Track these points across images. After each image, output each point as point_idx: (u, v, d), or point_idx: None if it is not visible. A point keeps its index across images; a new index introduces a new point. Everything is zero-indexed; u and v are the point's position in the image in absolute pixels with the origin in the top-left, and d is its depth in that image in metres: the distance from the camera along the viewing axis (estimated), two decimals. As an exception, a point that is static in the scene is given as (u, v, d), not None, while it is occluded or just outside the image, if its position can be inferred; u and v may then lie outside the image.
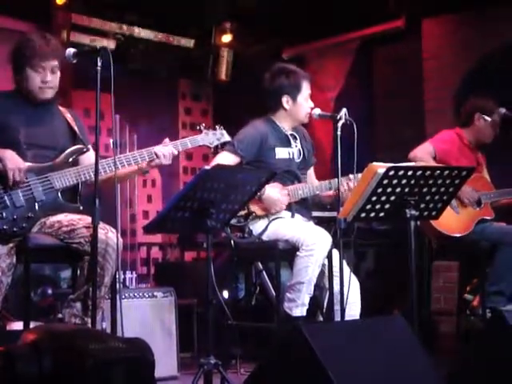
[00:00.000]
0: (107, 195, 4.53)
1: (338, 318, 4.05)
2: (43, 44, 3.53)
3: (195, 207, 3.16)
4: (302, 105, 4.34)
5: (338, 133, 3.98)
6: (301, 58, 7.34)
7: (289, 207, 4.21)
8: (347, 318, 3.90)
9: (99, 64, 3.30)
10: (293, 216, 4.22)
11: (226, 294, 5.62)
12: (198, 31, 7.33)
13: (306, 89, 4.35)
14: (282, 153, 4.32)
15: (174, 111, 7.77)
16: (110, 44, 6.60)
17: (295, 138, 4.40)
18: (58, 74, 3.61)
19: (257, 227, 4.16)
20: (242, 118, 7.18)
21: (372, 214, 3.59)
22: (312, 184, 4.32)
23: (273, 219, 4.15)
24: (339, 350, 2.63)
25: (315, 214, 4.58)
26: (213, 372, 3.25)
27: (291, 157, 4.35)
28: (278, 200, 4.14)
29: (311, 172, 4.53)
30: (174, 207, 3.09)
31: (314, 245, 3.98)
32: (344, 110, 4.10)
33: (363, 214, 3.59)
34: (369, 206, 3.54)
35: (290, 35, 7.10)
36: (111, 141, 5.30)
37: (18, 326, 4.31)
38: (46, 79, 3.56)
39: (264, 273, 5.02)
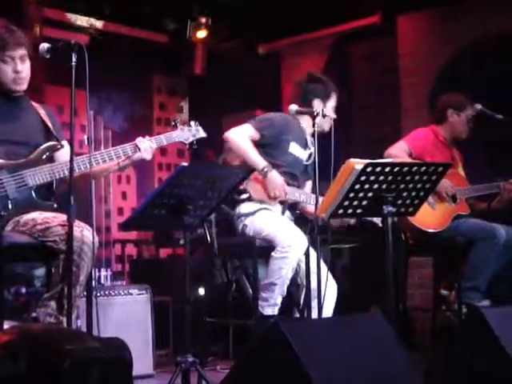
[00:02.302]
0: (82, 192, 4.50)
1: (314, 314, 4.09)
2: (7, 34, 3.48)
3: (172, 204, 3.13)
4: (329, 112, 4.40)
5: (316, 128, 3.99)
6: (276, 54, 7.35)
7: (282, 203, 4.24)
8: (323, 315, 3.93)
9: (74, 60, 3.25)
10: (283, 213, 4.25)
11: (201, 290, 5.60)
12: (172, 26, 7.28)
13: (333, 100, 4.51)
14: (295, 149, 4.40)
15: (148, 106, 7.71)
16: (84, 39, 6.52)
17: (312, 144, 4.40)
18: (28, 62, 3.56)
19: (245, 208, 4.20)
20: (218, 112, 7.22)
21: (349, 211, 3.59)
22: (308, 194, 4.35)
23: (263, 208, 4.16)
24: (317, 347, 2.62)
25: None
26: (190, 370, 3.22)
27: (301, 157, 4.43)
28: (281, 186, 4.19)
29: (309, 184, 4.55)
30: (151, 204, 3.06)
31: (289, 247, 4.04)
32: (321, 106, 4.12)
33: (341, 211, 3.59)
34: (346, 203, 3.54)
35: (266, 30, 7.09)
36: (85, 137, 5.26)
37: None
38: (18, 68, 3.50)
39: (240, 269, 5.00)
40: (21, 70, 3.52)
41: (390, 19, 6.51)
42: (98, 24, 6.85)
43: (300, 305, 4.30)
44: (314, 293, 4.05)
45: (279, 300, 4.10)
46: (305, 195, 4.33)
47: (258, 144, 4.29)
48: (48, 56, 3.39)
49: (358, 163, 3.53)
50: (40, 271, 5.10)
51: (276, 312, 4.09)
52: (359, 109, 6.90)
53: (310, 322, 3.25)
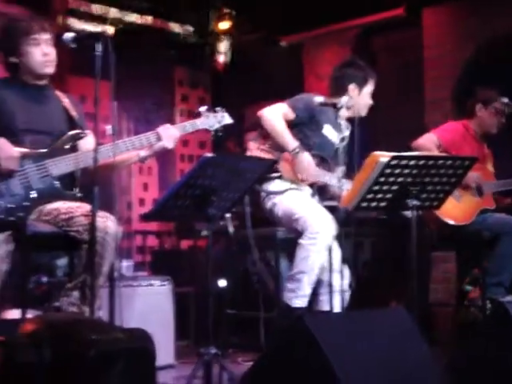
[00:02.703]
0: (104, 182, 4.49)
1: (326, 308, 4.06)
2: (30, 20, 3.49)
3: (196, 195, 3.11)
4: (365, 98, 4.42)
5: (339, 121, 3.97)
6: (299, 46, 7.31)
7: (311, 186, 4.20)
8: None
9: (98, 50, 3.25)
10: (313, 196, 4.19)
11: (223, 282, 5.60)
12: (196, 18, 7.27)
13: (371, 85, 4.48)
14: (328, 131, 4.34)
15: (170, 99, 7.70)
16: (108, 30, 6.53)
17: (347, 128, 4.38)
18: (54, 48, 3.57)
19: (274, 186, 4.14)
20: (239, 105, 7.19)
21: (373, 204, 3.57)
22: (338, 178, 4.29)
23: (293, 188, 4.11)
24: (341, 341, 2.61)
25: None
26: (212, 362, 3.20)
27: (333, 140, 4.36)
28: (310, 170, 4.13)
29: (340, 170, 4.45)
30: (175, 195, 3.04)
31: (318, 234, 3.93)
32: (345, 98, 4.09)
33: (364, 204, 3.57)
34: (370, 196, 3.52)
35: (289, 22, 7.04)
36: (108, 127, 5.24)
37: (13, 314, 4.26)
38: (46, 51, 3.51)
39: (261, 261, 4.97)
40: (49, 52, 3.52)
41: (415, 11, 6.46)
42: (122, 15, 6.84)
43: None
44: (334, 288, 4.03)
45: (308, 291, 3.99)
46: (335, 179, 4.24)
47: (291, 123, 4.24)
48: (73, 45, 3.38)
49: (382, 156, 3.50)
50: (62, 261, 5.11)
51: (305, 304, 3.98)
52: (382, 101, 6.82)
53: (334, 316, 3.23)
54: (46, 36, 3.51)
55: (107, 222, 3.30)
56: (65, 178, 3.48)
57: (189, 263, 6.14)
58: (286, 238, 4.07)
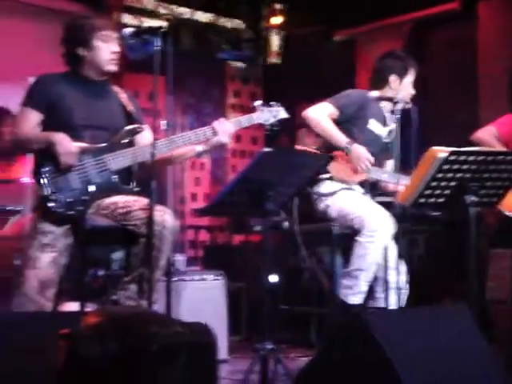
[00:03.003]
0: (157, 177, 4.52)
1: (381, 304, 4.04)
2: (99, 16, 3.54)
3: (253, 190, 3.10)
4: (407, 88, 4.36)
5: (397, 116, 3.92)
6: (352, 40, 7.25)
7: (363, 184, 4.16)
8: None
9: (157, 44, 3.27)
10: (365, 194, 4.16)
11: (274, 277, 5.59)
12: (248, 12, 7.27)
13: (412, 75, 4.40)
14: (374, 126, 4.31)
15: (222, 94, 7.71)
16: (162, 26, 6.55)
17: (392, 121, 4.34)
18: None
19: (325, 188, 4.11)
20: (292, 100, 7.16)
21: (431, 200, 3.53)
22: (389, 172, 4.25)
23: (345, 188, 4.08)
24: (400, 338, 2.58)
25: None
26: (268, 357, 3.20)
27: (380, 134, 4.33)
28: (366, 158, 4.10)
29: (391, 162, 4.41)
30: (233, 190, 3.04)
31: (376, 232, 3.89)
32: (402, 93, 4.04)
33: (422, 200, 3.53)
34: (428, 192, 3.47)
35: (341, 17, 6.99)
36: (163, 122, 5.26)
37: (71, 307, 4.31)
38: (114, 49, 3.55)
39: (313, 257, 4.95)
40: (116, 50, 3.56)
41: (470, 5, 6.35)
42: (175, 10, 6.87)
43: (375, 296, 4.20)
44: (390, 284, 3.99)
45: (364, 288, 3.96)
46: (387, 174, 4.21)
47: (337, 122, 4.21)
48: (132, 41, 3.41)
49: (441, 151, 3.45)
50: (118, 254, 5.15)
51: (361, 301, 3.96)
52: (436, 96, 6.75)
53: (392, 313, 3.19)
54: (115, 34, 3.55)
55: (165, 216, 3.32)
56: (122, 173, 3.51)
57: (241, 258, 6.15)
58: (341, 234, 4.02)
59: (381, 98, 4.09)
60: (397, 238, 3.96)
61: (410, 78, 4.38)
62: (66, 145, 3.33)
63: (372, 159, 4.15)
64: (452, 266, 5.13)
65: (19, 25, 6.30)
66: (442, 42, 6.68)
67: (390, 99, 3.99)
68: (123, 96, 3.69)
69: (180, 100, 7.00)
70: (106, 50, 3.53)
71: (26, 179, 5.03)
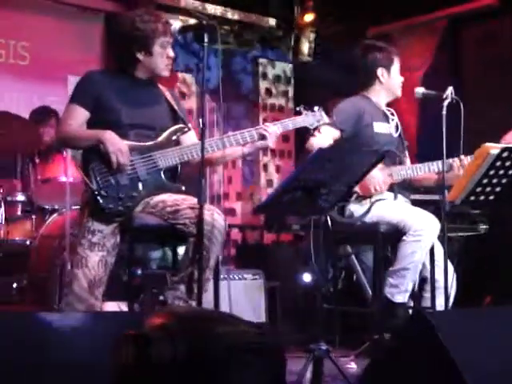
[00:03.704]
0: (193, 176, 4.49)
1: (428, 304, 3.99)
2: (159, 21, 3.47)
3: (307, 188, 3.06)
4: (396, 78, 4.32)
5: (444, 112, 3.86)
6: (386, 37, 7.16)
7: (391, 188, 4.09)
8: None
9: (206, 40, 3.24)
10: (395, 198, 4.09)
11: (307, 277, 5.55)
12: (280, 10, 7.22)
13: (397, 63, 4.35)
14: (380, 127, 4.23)
15: (254, 92, 7.66)
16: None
17: (392, 113, 4.31)
18: None
19: (358, 209, 4.03)
20: (323, 97, 7.10)
21: (482, 197, 3.48)
22: (414, 165, 4.18)
23: (375, 201, 4.01)
24: (466, 339, 2.51)
25: (413, 196, 4.44)
26: (323, 358, 3.15)
27: (389, 132, 4.26)
28: (380, 180, 4.00)
29: (407, 153, 4.39)
30: (287, 188, 2.99)
31: (423, 230, 3.84)
32: (450, 89, 3.97)
33: (472, 197, 3.48)
34: (479, 189, 3.43)
35: (375, 13, 6.92)
36: (199, 120, 5.26)
37: (111, 306, 4.29)
38: (171, 54, 3.52)
39: (353, 257, 4.90)
40: (173, 56, 3.54)
41: (508, 1, 6.26)
42: (207, 8, 6.84)
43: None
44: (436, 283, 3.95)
45: (410, 286, 3.93)
46: (410, 169, 4.14)
47: (345, 139, 4.11)
48: (179, 36, 3.38)
49: (493, 148, 3.41)
50: (156, 253, 5.14)
51: (406, 300, 3.93)
52: (471, 93, 6.66)
53: (458, 314, 3.12)
54: (171, 39, 3.51)
55: (214, 215, 3.28)
56: (169, 171, 3.48)
57: (273, 257, 6.11)
58: (389, 232, 3.96)
59: (428, 95, 4.01)
60: (443, 236, 3.89)
61: (396, 66, 4.33)
62: (117, 143, 3.31)
63: (387, 181, 4.05)
64: (492, 266, 5.06)
65: (56, 24, 6.31)
66: (477, 39, 6.59)
67: (438, 96, 3.91)
68: (169, 95, 3.66)
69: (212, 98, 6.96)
70: (164, 56, 3.50)
71: (63, 178, 5.02)
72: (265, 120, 7.60)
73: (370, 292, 4.60)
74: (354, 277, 4.91)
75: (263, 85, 7.65)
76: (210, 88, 7.05)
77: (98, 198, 3.30)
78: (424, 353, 2.51)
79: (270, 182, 7.64)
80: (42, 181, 5.05)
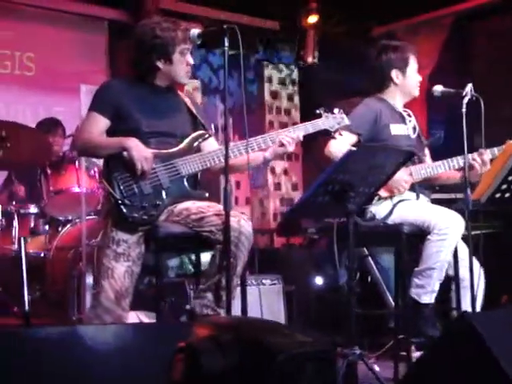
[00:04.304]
0: (210, 182, 4.45)
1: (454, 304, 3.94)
2: (179, 28, 3.42)
3: (335, 191, 3.02)
4: (412, 78, 4.23)
5: (463, 110, 3.82)
6: (391, 37, 7.13)
7: (412, 188, 4.04)
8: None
9: (226, 44, 3.19)
10: (417, 197, 4.04)
11: (319, 280, 5.51)
12: (283, 12, 7.18)
13: (413, 62, 4.25)
14: (397, 129, 4.15)
15: (259, 95, 7.62)
16: (197, 28, 6.48)
17: (409, 115, 4.25)
18: None
19: (380, 210, 3.97)
20: (330, 99, 7.07)
21: (507, 195, 3.44)
22: (434, 163, 4.13)
23: (397, 202, 3.96)
24: (509, 338, 2.47)
25: (434, 195, 4.39)
26: (357, 363, 3.10)
27: (407, 133, 4.19)
28: (401, 180, 3.95)
29: (427, 152, 4.34)
30: (316, 192, 2.95)
31: (448, 229, 3.78)
32: (469, 86, 3.94)
33: (498, 195, 3.44)
34: (504, 187, 3.39)
35: (380, 13, 6.88)
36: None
37: (130, 317, 4.23)
38: (191, 62, 3.48)
39: (370, 258, 4.86)
40: (192, 63, 3.49)
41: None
42: (210, 12, 6.80)
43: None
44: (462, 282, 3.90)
45: (437, 286, 3.86)
46: (430, 168, 4.07)
47: (361, 144, 4.02)
48: (198, 42, 3.34)
49: (519, 144, 3.37)
50: (174, 262, 5.09)
51: (433, 300, 3.87)
52: (480, 90, 6.62)
53: (497, 314, 3.07)
54: (190, 46, 3.46)
55: (241, 222, 3.23)
56: (191, 178, 3.43)
57: (284, 261, 6.06)
58: (412, 233, 3.90)
59: (447, 93, 3.96)
60: (467, 235, 3.85)
61: (412, 66, 4.24)
62: (142, 150, 3.26)
63: (407, 180, 3.98)
64: (509, 264, 5.01)
65: (60, 34, 6.27)
66: (486, 35, 6.56)
67: (457, 94, 3.87)
68: (188, 101, 3.61)
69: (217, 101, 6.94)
70: (183, 63, 3.45)
71: (76, 189, 4.97)
72: (271, 123, 7.57)
73: (388, 293, 4.56)
74: (369, 278, 4.87)
75: (268, 88, 7.60)
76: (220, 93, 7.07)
77: (122, 207, 3.25)
78: (467, 353, 2.47)
79: (277, 185, 7.60)
80: (54, 192, 4.99)
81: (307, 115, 7.51)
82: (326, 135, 3.83)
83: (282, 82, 7.72)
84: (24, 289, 3.37)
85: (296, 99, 7.79)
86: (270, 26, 7.24)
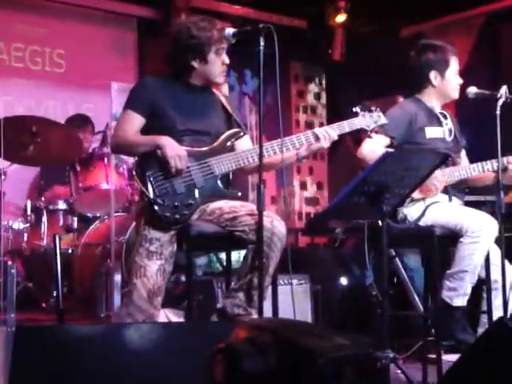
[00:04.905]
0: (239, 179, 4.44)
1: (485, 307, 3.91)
2: (214, 28, 3.41)
3: (371, 192, 3.00)
4: (452, 80, 4.16)
5: (498, 112, 3.78)
6: (420, 37, 7.09)
7: (445, 190, 4.00)
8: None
9: (261, 44, 3.18)
10: (450, 200, 4.01)
11: (345, 280, 5.48)
12: (311, 11, 7.16)
13: (454, 64, 4.18)
14: (432, 132, 4.09)
15: (286, 94, 7.60)
16: (227, 26, 6.49)
17: (445, 117, 4.20)
18: None
19: (412, 212, 3.94)
20: (356, 99, 7.03)
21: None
22: (468, 165, 4.09)
23: (430, 204, 3.92)
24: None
25: (467, 197, 4.35)
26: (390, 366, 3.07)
27: (443, 136, 4.14)
28: (435, 180, 3.90)
29: (463, 154, 4.30)
30: (353, 191, 2.93)
31: (481, 231, 3.75)
32: (504, 88, 3.89)
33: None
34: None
35: (408, 13, 6.84)
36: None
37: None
38: (226, 61, 3.46)
39: (397, 259, 4.83)
40: (228, 62, 3.48)
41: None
42: (240, 11, 6.80)
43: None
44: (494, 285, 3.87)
45: (469, 289, 3.84)
46: (464, 170, 4.03)
47: (395, 147, 3.93)
48: (233, 41, 3.33)
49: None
50: (201, 260, 5.09)
51: (465, 303, 3.84)
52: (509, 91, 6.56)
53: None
54: (226, 45, 3.45)
55: (274, 222, 3.22)
56: (223, 177, 3.43)
57: (309, 261, 6.04)
58: (444, 235, 3.87)
59: (481, 95, 3.91)
60: (500, 237, 3.82)
61: (453, 68, 4.16)
62: (176, 148, 3.26)
63: (441, 179, 3.93)
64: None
65: (90, 31, 6.30)
66: (516, 36, 6.50)
67: (491, 96, 3.83)
68: (223, 99, 3.60)
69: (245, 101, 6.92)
70: (219, 63, 3.44)
71: (105, 185, 4.99)
72: (297, 122, 7.55)
73: (415, 294, 4.54)
74: (395, 280, 4.84)
75: (295, 86, 7.59)
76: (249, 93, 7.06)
77: (155, 206, 3.24)
78: (505, 358, 2.45)
79: (303, 184, 7.58)
80: (83, 189, 5.02)
81: (334, 114, 7.51)
82: (357, 135, 3.81)
83: (309, 80, 7.69)
84: (58, 286, 3.37)
85: (323, 98, 7.76)
86: (298, 24, 7.21)
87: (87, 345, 2.46)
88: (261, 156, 3.12)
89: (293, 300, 3.31)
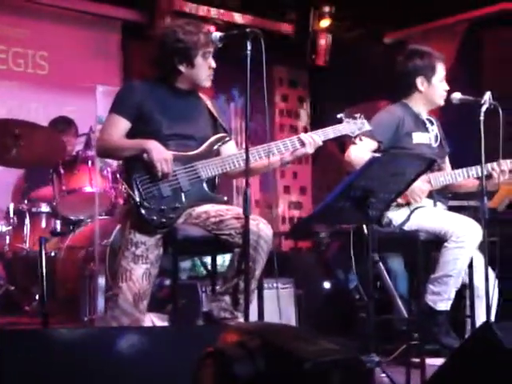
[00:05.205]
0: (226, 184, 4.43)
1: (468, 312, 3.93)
2: (201, 31, 3.41)
3: (357, 196, 3.01)
4: (438, 86, 4.19)
5: (481, 118, 3.80)
6: (403, 43, 7.13)
7: (430, 195, 4.02)
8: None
9: (249, 48, 3.18)
10: (435, 205, 4.03)
11: (327, 284, 5.49)
12: (296, 16, 7.17)
13: (441, 70, 4.21)
14: (419, 138, 4.12)
15: (270, 98, 7.61)
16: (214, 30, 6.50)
17: (432, 122, 4.22)
18: None
19: (397, 216, 3.96)
20: (340, 103, 7.06)
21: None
22: (453, 171, 4.12)
23: (415, 208, 3.94)
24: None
25: (451, 203, 4.37)
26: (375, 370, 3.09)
27: (429, 142, 4.17)
28: (418, 190, 3.94)
29: (446, 160, 4.33)
30: (339, 196, 2.94)
31: (465, 236, 3.78)
32: (488, 94, 3.91)
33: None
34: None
35: (392, 18, 6.88)
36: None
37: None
38: (213, 65, 3.46)
39: (381, 264, 4.84)
40: (214, 66, 3.47)
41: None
42: (224, 15, 6.80)
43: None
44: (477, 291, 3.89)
45: (453, 294, 3.87)
46: (449, 175, 4.06)
47: (383, 150, 3.99)
48: (220, 45, 3.33)
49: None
50: (185, 264, 5.07)
51: (449, 307, 3.88)
52: (493, 98, 6.60)
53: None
54: (212, 49, 3.44)
55: (260, 225, 3.22)
56: (209, 181, 3.43)
57: (292, 265, 6.05)
58: (428, 240, 3.89)
59: (465, 101, 3.94)
60: (483, 243, 3.84)
61: (439, 74, 4.19)
62: (162, 152, 3.25)
63: (424, 189, 3.96)
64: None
65: (74, 33, 6.27)
66: (498, 43, 6.53)
67: (475, 101, 3.85)
68: (209, 104, 3.60)
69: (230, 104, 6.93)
70: (206, 67, 3.44)
71: (89, 188, 4.96)
72: (281, 126, 7.56)
73: (398, 299, 4.55)
74: (378, 284, 4.85)
75: (279, 91, 7.60)
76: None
77: (141, 209, 3.24)
78: (490, 362, 2.47)
79: (287, 189, 7.59)
80: (67, 191, 4.98)
81: (317, 119, 7.53)
82: (341, 140, 3.82)
83: (293, 85, 7.70)
84: (43, 289, 3.35)
85: (306, 103, 7.78)
86: (283, 28, 7.22)
87: (72, 349, 2.44)
88: (247, 161, 3.12)
89: (278, 304, 3.30)
